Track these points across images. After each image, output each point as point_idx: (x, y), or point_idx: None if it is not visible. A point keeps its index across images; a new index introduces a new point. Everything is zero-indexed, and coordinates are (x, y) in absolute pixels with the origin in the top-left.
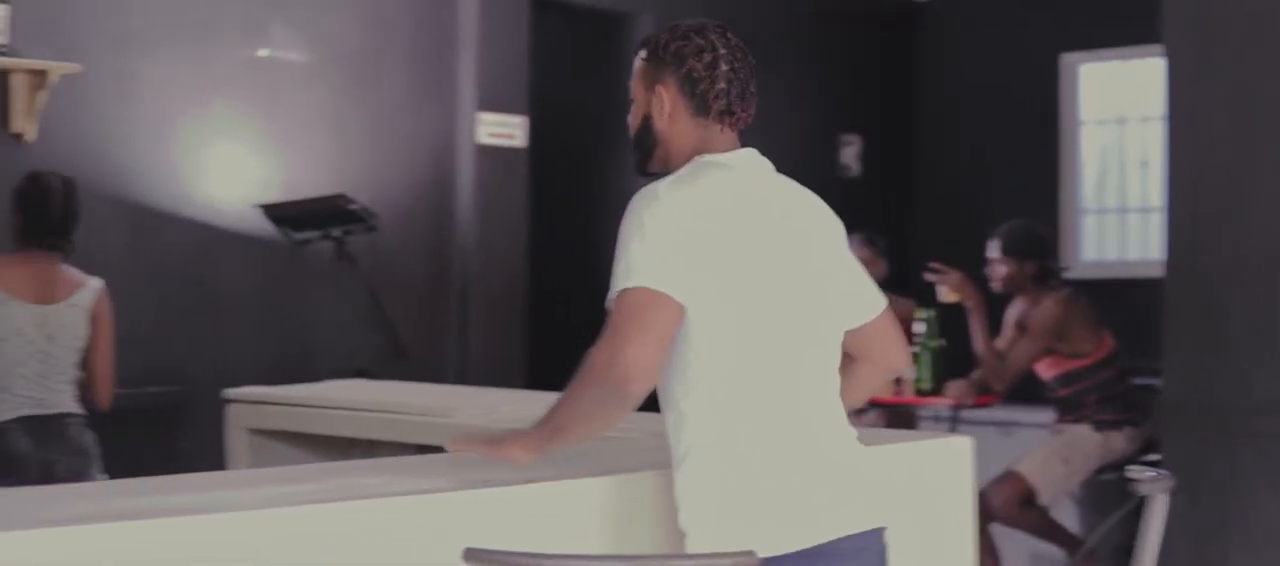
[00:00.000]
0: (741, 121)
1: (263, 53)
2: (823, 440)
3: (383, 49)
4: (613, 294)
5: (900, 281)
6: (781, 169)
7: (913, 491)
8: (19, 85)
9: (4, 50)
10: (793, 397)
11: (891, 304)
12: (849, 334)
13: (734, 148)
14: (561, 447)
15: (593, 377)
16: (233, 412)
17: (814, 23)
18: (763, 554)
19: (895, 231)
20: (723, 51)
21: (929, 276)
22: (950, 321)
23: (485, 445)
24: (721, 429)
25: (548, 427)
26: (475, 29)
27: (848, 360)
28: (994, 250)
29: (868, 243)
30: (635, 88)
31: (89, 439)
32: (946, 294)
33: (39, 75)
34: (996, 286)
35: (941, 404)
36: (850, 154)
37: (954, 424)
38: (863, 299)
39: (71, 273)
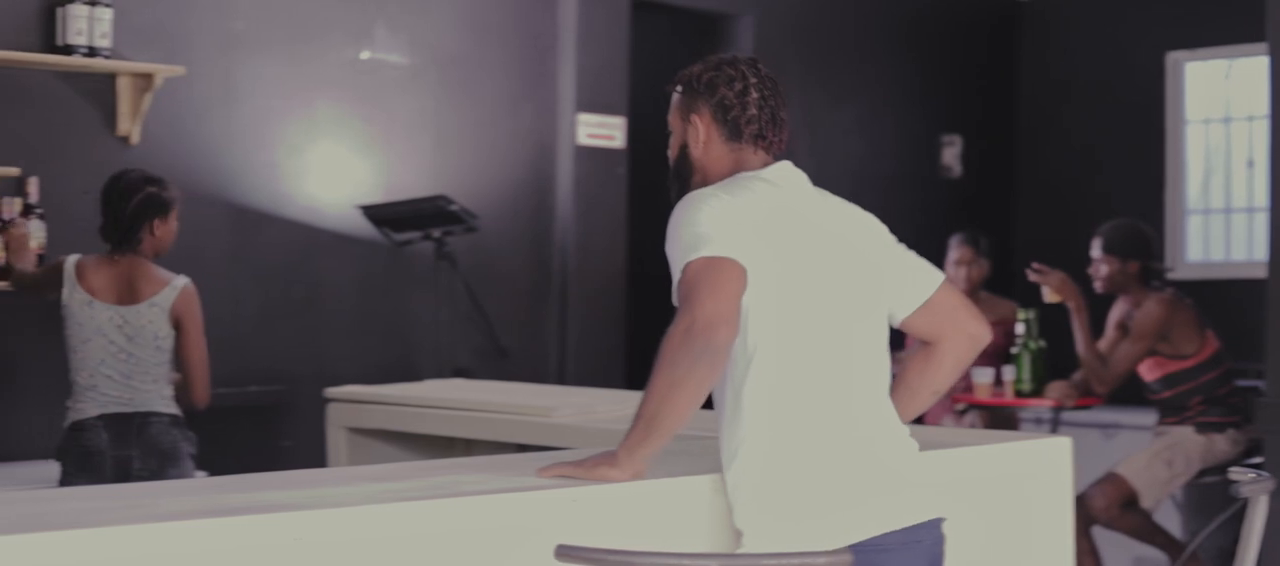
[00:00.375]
0: (774, 146)
1: (365, 55)
2: (869, 435)
3: (483, 51)
4: (676, 280)
5: (1003, 283)
6: (881, 170)
7: (1011, 491)
8: (125, 88)
9: (108, 53)
10: (839, 394)
11: (993, 305)
12: (917, 317)
13: (765, 165)
14: (656, 445)
15: (674, 346)
16: (333, 411)
17: (914, 24)
18: (812, 549)
19: (997, 233)
20: (753, 80)
21: (1031, 276)
22: (1052, 322)
23: (575, 468)
24: (769, 427)
25: (638, 429)
26: (575, 31)
27: (929, 345)
28: (1097, 249)
29: (969, 242)
30: (672, 120)
31: (173, 438)
32: (1049, 294)
33: (144, 78)
34: (1100, 286)
35: (1042, 405)
36: (951, 155)
37: (1055, 425)
38: (916, 279)
39: (157, 273)
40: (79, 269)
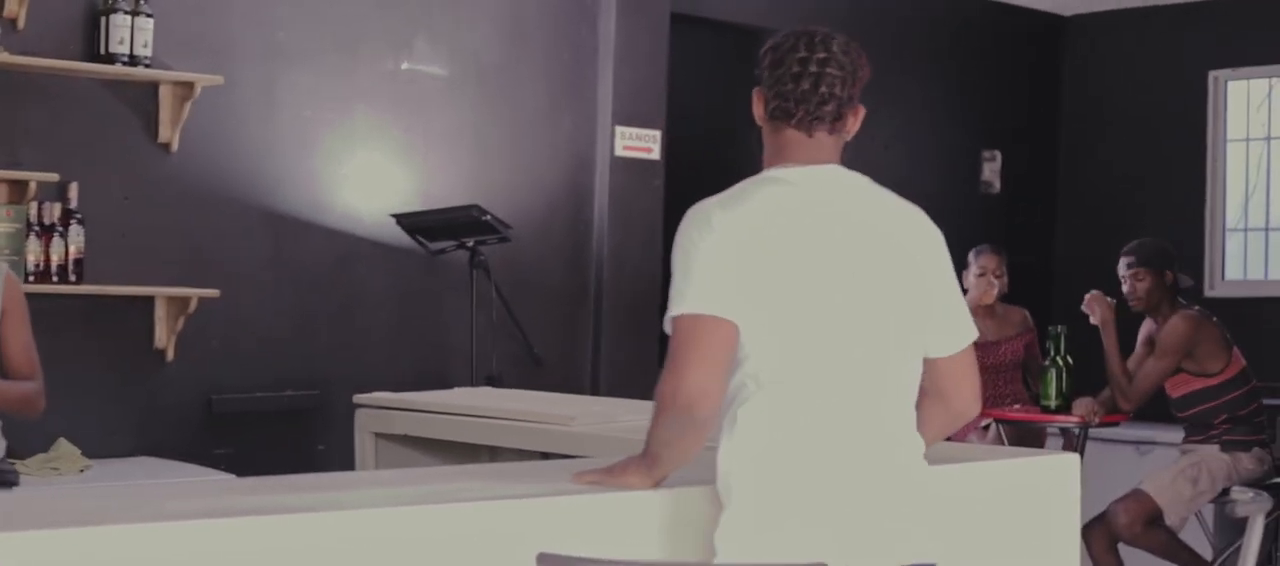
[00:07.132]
0: (811, 125)
1: (404, 66)
2: (868, 467)
3: (522, 63)
4: (667, 318)
5: (1042, 299)
6: (921, 185)
7: (1018, 508)
8: (165, 96)
9: (150, 62)
10: (845, 422)
11: (1008, 316)
12: (934, 365)
13: (813, 158)
14: (666, 474)
15: (662, 408)
16: (361, 417)
17: (955, 37)
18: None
19: (1037, 249)
20: (802, 53)
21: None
22: (1080, 338)
23: (605, 473)
24: (763, 451)
25: (648, 456)
26: (614, 43)
27: (922, 399)
28: (1128, 265)
29: (998, 253)
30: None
31: None
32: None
33: (185, 87)
34: (1137, 304)
35: (1068, 421)
36: (991, 170)
37: (1083, 442)
38: (951, 330)
39: None
40: None
